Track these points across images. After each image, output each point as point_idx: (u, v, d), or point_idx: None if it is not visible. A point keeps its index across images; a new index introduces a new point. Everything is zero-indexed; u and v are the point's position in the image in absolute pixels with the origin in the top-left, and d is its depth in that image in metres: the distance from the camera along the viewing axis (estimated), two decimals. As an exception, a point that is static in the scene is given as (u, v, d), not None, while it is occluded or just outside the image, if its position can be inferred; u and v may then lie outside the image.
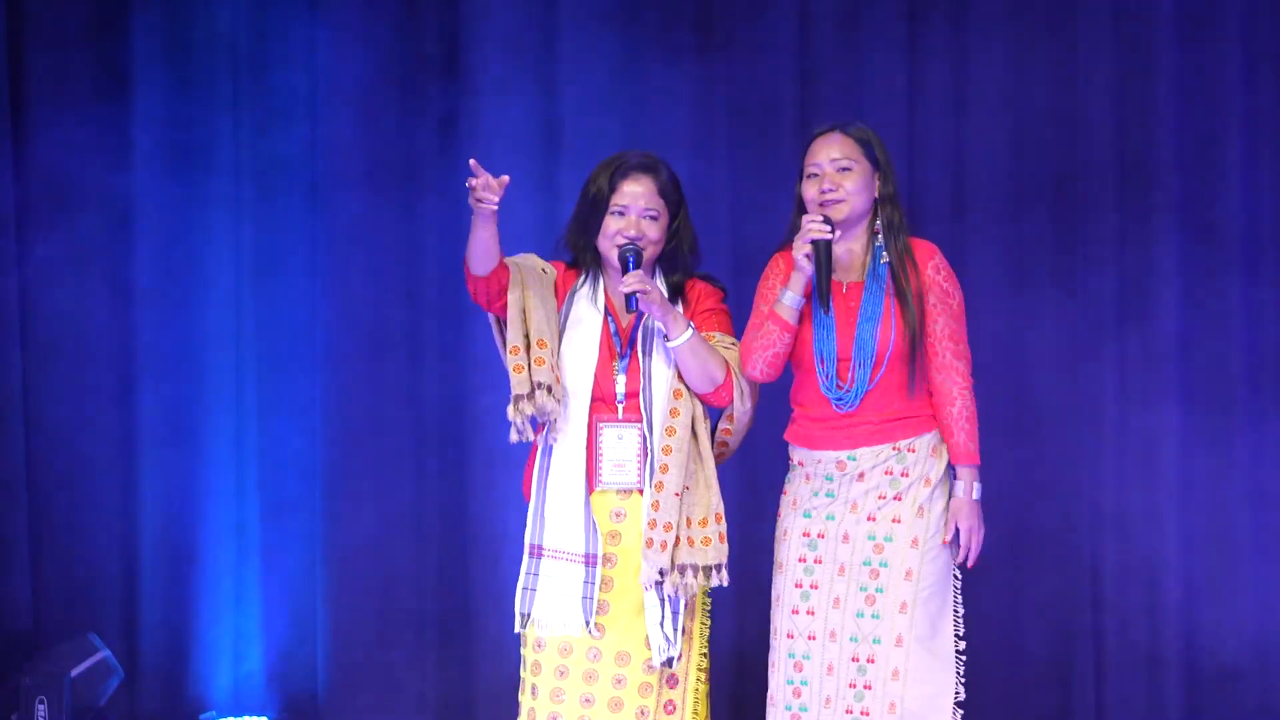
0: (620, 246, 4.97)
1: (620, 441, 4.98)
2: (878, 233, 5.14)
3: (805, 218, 5.08)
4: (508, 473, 6.73)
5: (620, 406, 5.00)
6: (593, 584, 4.92)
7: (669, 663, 4.93)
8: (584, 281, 5.06)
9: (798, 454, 5.23)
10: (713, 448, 5.13)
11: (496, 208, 4.83)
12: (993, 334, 6.83)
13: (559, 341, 4.97)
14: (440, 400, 7.18)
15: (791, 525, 5.19)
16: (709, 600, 5.09)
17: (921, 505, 5.09)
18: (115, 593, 7.16)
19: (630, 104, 7.22)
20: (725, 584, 5.02)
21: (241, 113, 7.23)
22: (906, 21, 7.20)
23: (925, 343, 5.11)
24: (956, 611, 5.14)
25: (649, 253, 5.02)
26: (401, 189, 7.24)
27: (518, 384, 4.90)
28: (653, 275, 5.05)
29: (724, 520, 5.05)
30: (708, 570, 4.98)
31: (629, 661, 4.96)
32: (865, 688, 5.05)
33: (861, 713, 5.05)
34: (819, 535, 5.13)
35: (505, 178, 4.85)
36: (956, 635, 5.12)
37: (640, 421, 4.98)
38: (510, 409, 4.91)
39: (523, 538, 5.02)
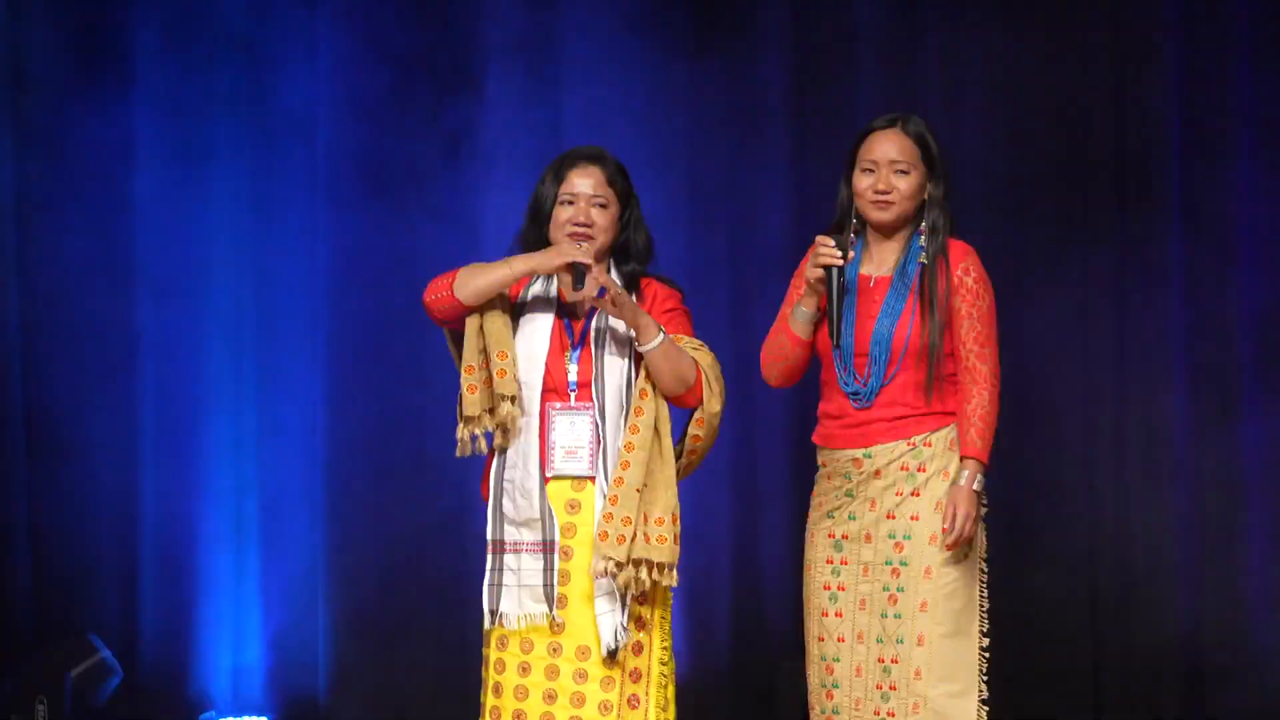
0: (570, 234, 4.95)
1: (572, 428, 4.95)
2: (920, 233, 5.09)
3: (818, 239, 5.01)
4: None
5: (572, 394, 4.97)
6: (552, 570, 4.91)
7: (613, 654, 4.91)
8: (536, 281, 5.04)
9: (821, 455, 5.22)
10: (682, 453, 5.09)
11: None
12: (991, 328, 6.80)
13: (513, 337, 4.97)
14: (440, 400, 7.18)
15: (817, 527, 5.18)
16: (670, 594, 5.06)
17: (940, 500, 5.03)
18: (115, 593, 7.20)
19: (636, 109, 7.23)
20: (674, 584, 4.99)
21: (243, 115, 7.27)
22: (905, 17, 7.19)
23: (951, 344, 5.05)
24: (982, 607, 5.08)
25: (600, 242, 4.99)
26: (402, 190, 7.26)
27: (470, 405, 4.89)
28: (605, 267, 5.03)
29: (679, 523, 5.02)
30: (660, 567, 4.95)
31: (589, 655, 4.93)
32: (890, 689, 5.02)
33: (888, 714, 5.02)
34: (843, 536, 5.12)
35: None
36: (981, 631, 5.06)
37: (592, 408, 4.96)
38: (461, 429, 4.91)
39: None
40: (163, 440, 7.21)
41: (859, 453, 5.10)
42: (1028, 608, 6.94)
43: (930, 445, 5.06)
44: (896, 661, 5.01)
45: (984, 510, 5.11)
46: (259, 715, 7.17)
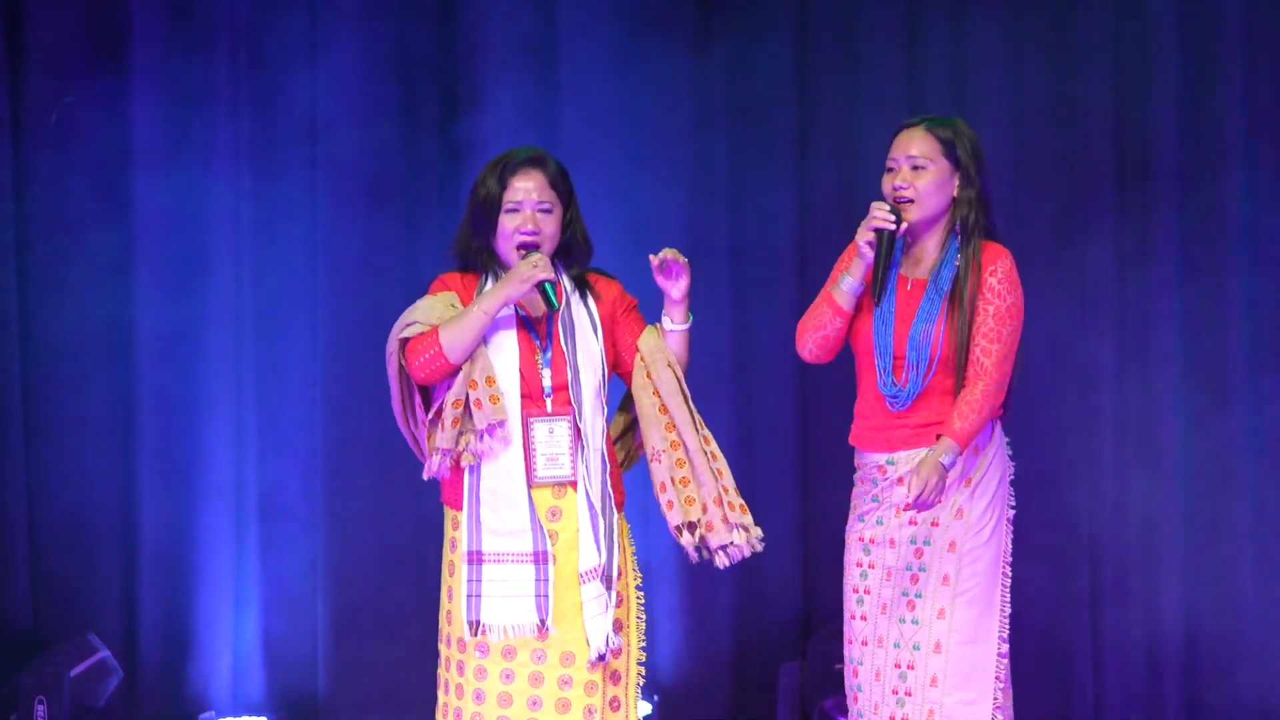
0: (519, 246, 4.92)
1: (551, 435, 4.92)
2: (956, 235, 5.07)
3: (874, 205, 5.03)
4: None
5: (549, 400, 4.94)
6: (546, 581, 4.87)
7: (602, 658, 4.90)
8: (485, 283, 4.99)
9: (856, 457, 5.20)
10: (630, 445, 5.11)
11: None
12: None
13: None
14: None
15: (851, 530, 5.17)
16: (642, 594, 5.05)
17: (960, 507, 5.01)
18: (115, 593, 7.19)
19: (637, 108, 7.21)
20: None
21: (240, 118, 7.26)
22: (906, 14, 7.16)
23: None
24: (1004, 612, 5.06)
25: (547, 247, 4.96)
26: (402, 193, 7.26)
27: (446, 439, 4.85)
28: (554, 269, 4.99)
29: (666, 491, 5.00)
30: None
31: (574, 661, 4.91)
32: (906, 694, 5.01)
33: (903, 719, 5.01)
34: (870, 540, 5.10)
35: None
36: (1001, 638, 5.04)
37: (571, 414, 4.93)
38: (435, 461, 4.88)
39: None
40: (162, 441, 7.20)
41: (883, 458, 5.09)
42: (1027, 606, 6.92)
43: None
44: (913, 667, 5.00)
45: (1011, 511, 5.10)
46: (258, 715, 7.16)
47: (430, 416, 4.92)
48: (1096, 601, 7.00)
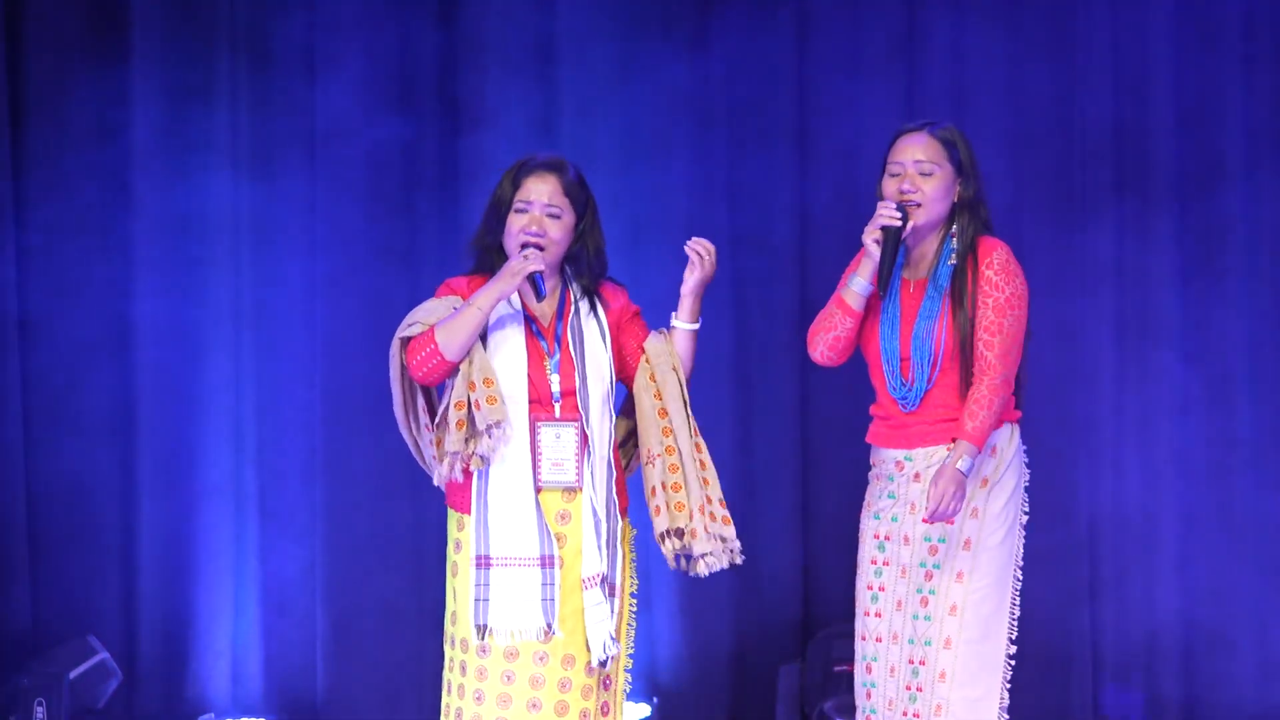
0: (522, 245, 4.93)
1: (558, 440, 4.92)
2: (953, 235, 5.11)
3: (880, 204, 5.06)
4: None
5: (557, 405, 4.94)
6: (552, 585, 4.88)
7: (603, 665, 4.91)
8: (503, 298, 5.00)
9: (872, 454, 5.23)
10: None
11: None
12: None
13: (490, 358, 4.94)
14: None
15: (865, 527, 5.19)
16: (634, 601, 5.07)
17: (976, 506, 5.03)
18: (114, 594, 7.19)
19: (636, 109, 7.21)
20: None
21: (240, 115, 7.26)
22: (905, 14, 7.16)
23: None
24: (1012, 614, 5.09)
25: (552, 252, 4.96)
26: (402, 194, 7.26)
27: (454, 442, 4.85)
28: (559, 275, 5.00)
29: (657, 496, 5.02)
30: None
31: (574, 664, 4.92)
32: (918, 690, 5.04)
33: (914, 715, 5.03)
34: (885, 537, 5.12)
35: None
36: (1009, 639, 5.07)
37: (578, 420, 4.94)
38: (444, 467, 4.88)
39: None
40: (161, 442, 7.20)
41: (901, 454, 5.12)
42: (1026, 606, 6.91)
43: None
44: (924, 663, 5.03)
45: (1024, 517, 5.11)
46: (257, 717, 7.16)
47: (437, 421, 4.92)
48: (1096, 601, 7.01)
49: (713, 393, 7.06)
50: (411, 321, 4.93)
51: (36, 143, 7.17)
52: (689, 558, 5.01)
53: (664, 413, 5.00)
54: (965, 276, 5.04)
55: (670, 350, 5.03)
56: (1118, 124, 7.05)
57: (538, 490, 4.91)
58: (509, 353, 4.93)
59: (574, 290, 5.02)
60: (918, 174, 5.08)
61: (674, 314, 5.05)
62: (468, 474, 4.91)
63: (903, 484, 5.09)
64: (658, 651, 7.14)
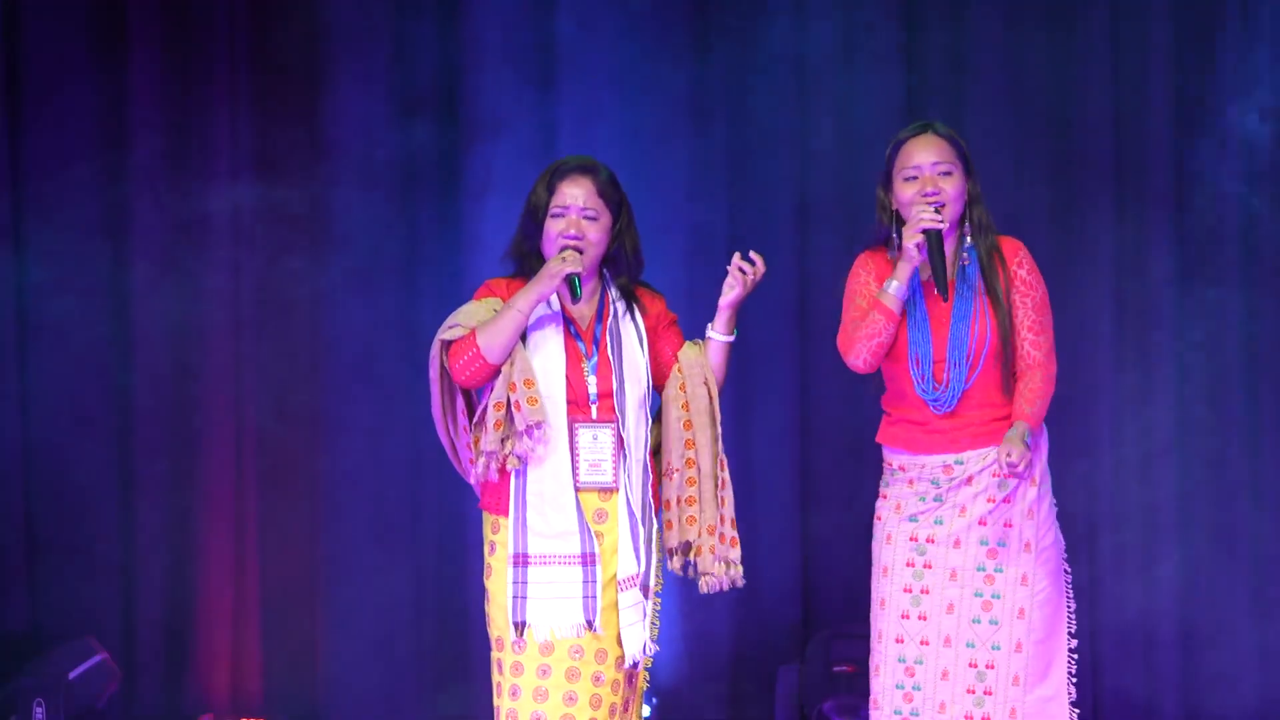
0: (561, 249, 4.95)
1: (595, 442, 4.97)
2: (966, 234, 5.13)
3: (915, 207, 5.05)
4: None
5: (594, 407, 4.98)
6: (594, 583, 4.92)
7: (635, 664, 4.95)
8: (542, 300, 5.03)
9: (898, 458, 5.21)
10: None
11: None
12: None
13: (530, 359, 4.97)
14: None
15: (896, 530, 5.17)
16: (659, 600, 5.11)
17: (1030, 507, 5.09)
18: (114, 594, 7.16)
19: (630, 109, 7.23)
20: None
21: (239, 112, 7.26)
22: (904, 13, 7.20)
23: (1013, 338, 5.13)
24: (1069, 609, 5.15)
25: (591, 255, 4.99)
26: (401, 193, 7.26)
27: (491, 441, 4.89)
28: (598, 278, 5.03)
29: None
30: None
31: (606, 659, 4.97)
32: (986, 693, 5.05)
33: (983, 718, 5.05)
34: (928, 540, 5.12)
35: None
36: (1069, 633, 5.14)
37: (614, 421, 4.97)
38: (480, 467, 4.91)
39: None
40: (161, 441, 7.18)
41: (949, 459, 5.13)
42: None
43: None
44: (992, 667, 5.05)
45: (1055, 509, 5.16)
46: (256, 718, 7.14)
47: (475, 420, 4.93)
48: (1095, 601, 7.03)
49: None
50: (452, 324, 4.95)
51: (36, 142, 7.14)
52: (695, 571, 5.08)
53: (689, 425, 5.06)
54: (997, 276, 5.08)
55: (704, 362, 5.08)
56: (1116, 121, 7.09)
57: (577, 490, 4.94)
58: (548, 354, 4.97)
59: (612, 293, 5.05)
60: (937, 175, 5.10)
61: (710, 325, 5.09)
62: (504, 475, 4.94)
63: (951, 488, 5.10)
64: (658, 651, 7.15)
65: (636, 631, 4.95)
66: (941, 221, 5.04)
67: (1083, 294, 7.06)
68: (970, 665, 5.06)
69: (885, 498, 5.21)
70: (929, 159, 5.12)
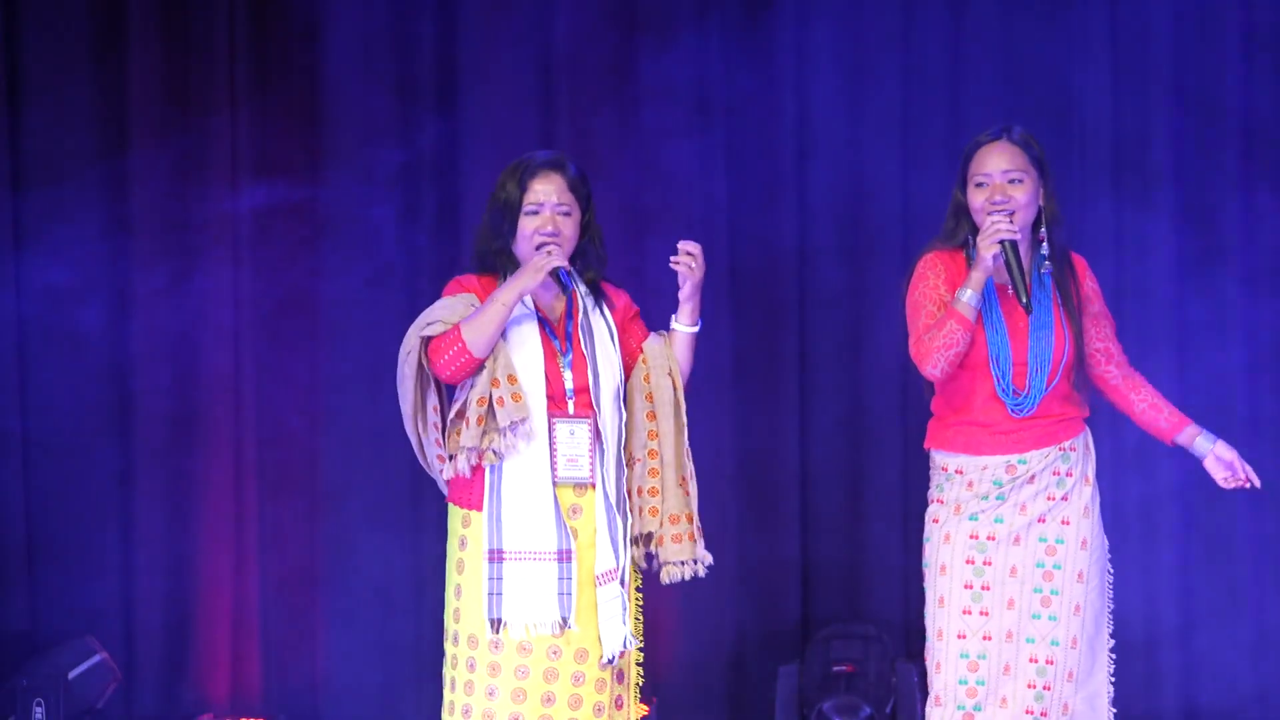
0: (538, 245, 4.94)
1: (572, 437, 4.96)
2: (1041, 240, 5.17)
3: (989, 218, 5.07)
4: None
5: (570, 402, 4.98)
6: (569, 579, 4.91)
7: (612, 660, 4.93)
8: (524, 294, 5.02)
9: (955, 461, 5.23)
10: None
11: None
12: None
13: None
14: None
15: (955, 529, 5.19)
16: (640, 594, 5.11)
17: (1086, 505, 5.18)
18: (114, 594, 7.17)
19: (629, 109, 7.22)
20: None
21: (239, 112, 7.26)
22: (904, 12, 7.19)
23: (1086, 348, 5.23)
24: (1110, 608, 5.25)
25: (565, 249, 4.99)
26: (401, 193, 7.26)
27: (471, 437, 4.88)
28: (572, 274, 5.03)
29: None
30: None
31: (587, 658, 4.95)
32: (1045, 689, 5.13)
33: (1041, 714, 5.12)
34: (988, 538, 5.16)
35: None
36: (1109, 633, 5.24)
37: (591, 416, 4.97)
38: (460, 461, 4.90)
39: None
40: (160, 441, 7.19)
41: (1013, 458, 5.17)
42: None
43: (1074, 450, 5.20)
44: (1051, 663, 5.13)
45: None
46: (256, 718, 7.15)
47: (452, 416, 4.93)
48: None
49: (713, 392, 7.08)
50: (430, 320, 4.94)
51: (36, 142, 7.16)
52: (657, 562, 5.07)
53: (653, 415, 5.06)
54: (1070, 287, 5.18)
55: (669, 354, 5.08)
56: (1115, 119, 7.08)
57: (554, 485, 4.93)
58: (527, 350, 4.96)
59: (579, 288, 5.03)
60: (1006, 183, 5.12)
61: (674, 317, 5.09)
62: (477, 470, 4.92)
63: (1014, 487, 5.15)
64: (658, 652, 7.14)
65: (615, 626, 4.93)
66: (1016, 232, 5.06)
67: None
68: (1030, 660, 5.13)
69: (941, 502, 5.24)
70: (999, 166, 5.14)
